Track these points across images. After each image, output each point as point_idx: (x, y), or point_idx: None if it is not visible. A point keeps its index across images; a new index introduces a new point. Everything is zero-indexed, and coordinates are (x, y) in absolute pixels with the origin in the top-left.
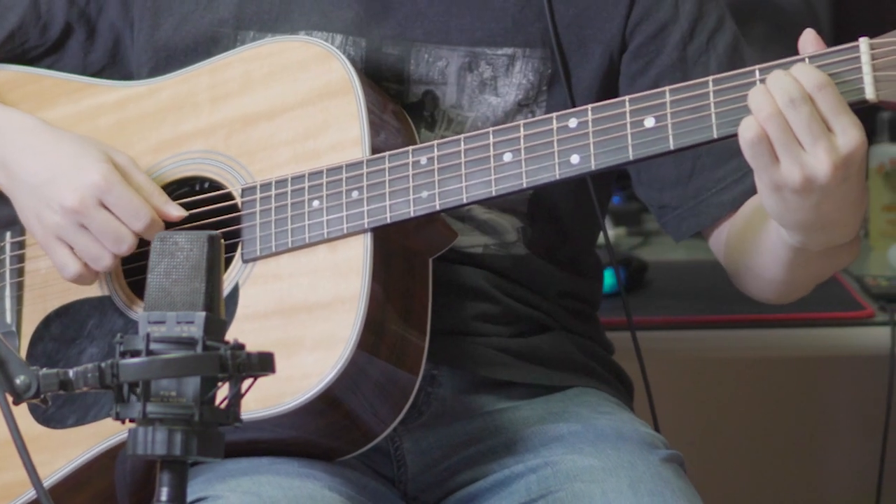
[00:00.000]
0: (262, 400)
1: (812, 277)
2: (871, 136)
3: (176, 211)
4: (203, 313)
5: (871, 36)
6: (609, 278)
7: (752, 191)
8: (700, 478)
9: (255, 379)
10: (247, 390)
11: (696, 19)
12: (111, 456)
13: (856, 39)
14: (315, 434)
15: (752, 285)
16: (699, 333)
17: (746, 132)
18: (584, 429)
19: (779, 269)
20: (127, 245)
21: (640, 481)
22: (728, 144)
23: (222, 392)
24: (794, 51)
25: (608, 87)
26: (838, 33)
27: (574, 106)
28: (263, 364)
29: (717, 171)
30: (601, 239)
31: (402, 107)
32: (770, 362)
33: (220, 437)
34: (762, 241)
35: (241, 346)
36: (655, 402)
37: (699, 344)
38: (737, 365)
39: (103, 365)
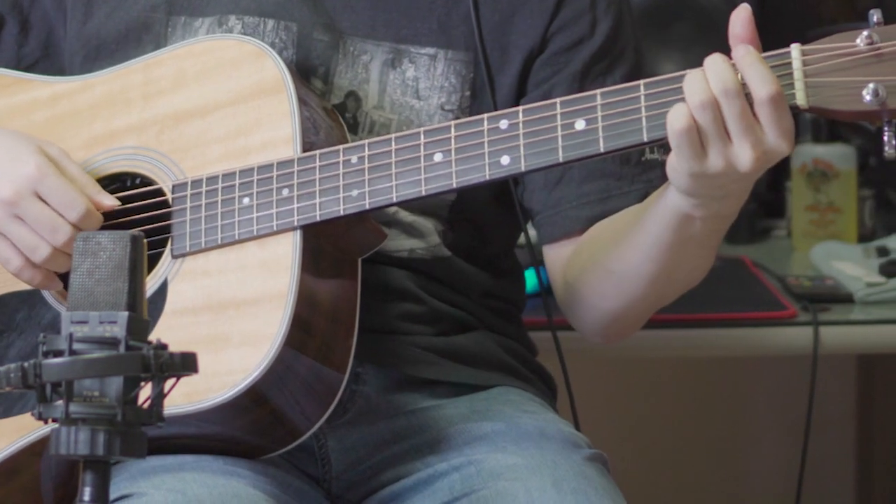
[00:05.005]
0: (188, 395)
1: (667, 283)
2: (795, 136)
3: (108, 201)
4: (126, 313)
5: (797, 38)
6: (531, 279)
7: (612, 212)
8: (622, 477)
9: (178, 379)
10: (169, 390)
11: (608, 41)
12: (34, 451)
13: (780, 40)
14: (240, 431)
15: (595, 303)
16: None
17: (676, 122)
18: (507, 427)
19: (649, 258)
20: (63, 235)
21: (563, 480)
22: (602, 164)
23: (145, 392)
24: (717, 51)
25: (525, 93)
26: (763, 34)
27: None
28: (186, 364)
29: (583, 187)
30: (521, 239)
31: None
32: (692, 362)
33: (143, 437)
34: (637, 234)
35: (163, 346)
36: (577, 401)
37: (620, 343)
38: (659, 365)
39: (26, 365)
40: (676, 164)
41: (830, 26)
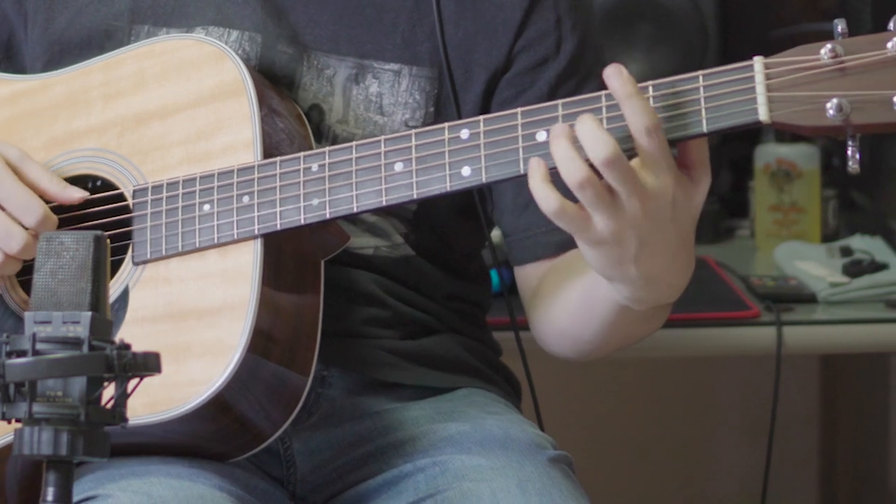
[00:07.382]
0: (150, 405)
1: (620, 341)
2: (758, 135)
3: (76, 193)
4: (89, 313)
5: (759, 38)
6: (493, 279)
7: None
8: (586, 478)
9: (142, 379)
10: (132, 390)
11: (573, 62)
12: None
13: (743, 41)
14: (204, 439)
15: (553, 338)
16: None
17: (550, 206)
18: (472, 429)
19: (592, 326)
20: (17, 242)
21: (528, 481)
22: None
23: (108, 392)
24: (680, 52)
25: (489, 112)
26: (725, 34)
27: None
28: (149, 364)
29: None
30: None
31: None
32: (656, 362)
33: (106, 437)
34: (581, 295)
35: (126, 346)
36: (541, 402)
37: None
38: (623, 365)
39: None
40: (576, 240)
41: (793, 26)
